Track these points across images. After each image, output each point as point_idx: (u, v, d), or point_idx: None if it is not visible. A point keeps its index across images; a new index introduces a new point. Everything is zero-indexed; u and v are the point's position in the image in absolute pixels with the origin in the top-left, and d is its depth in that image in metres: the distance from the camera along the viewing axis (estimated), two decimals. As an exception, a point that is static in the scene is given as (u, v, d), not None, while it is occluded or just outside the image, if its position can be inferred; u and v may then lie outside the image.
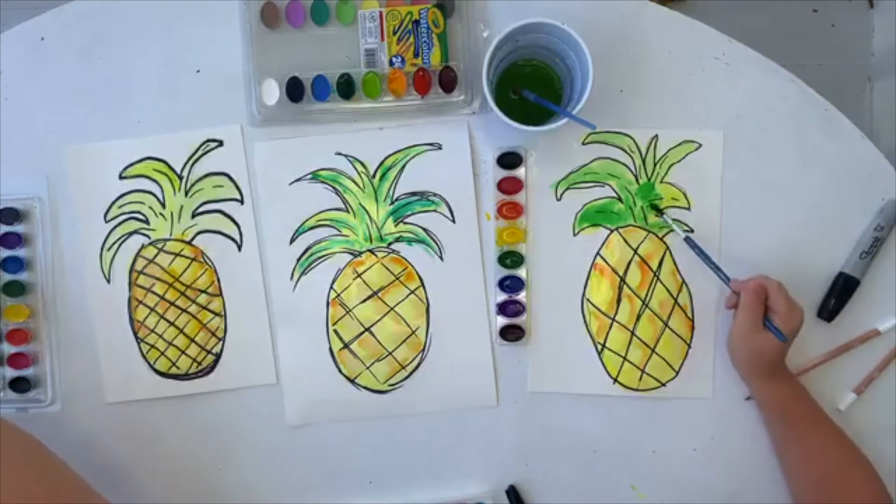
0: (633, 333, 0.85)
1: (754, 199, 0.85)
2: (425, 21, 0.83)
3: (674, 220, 0.84)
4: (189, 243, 0.85)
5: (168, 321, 0.85)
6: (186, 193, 0.85)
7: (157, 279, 0.85)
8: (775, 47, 0.86)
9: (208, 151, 0.85)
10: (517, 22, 0.75)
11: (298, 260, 0.85)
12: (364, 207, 0.85)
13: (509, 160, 0.84)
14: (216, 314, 0.85)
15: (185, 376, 0.86)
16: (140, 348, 0.86)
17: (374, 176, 0.85)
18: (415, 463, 0.87)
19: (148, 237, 0.85)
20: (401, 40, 0.83)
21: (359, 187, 0.85)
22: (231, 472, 0.87)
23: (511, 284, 0.85)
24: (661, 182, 0.85)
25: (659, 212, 0.84)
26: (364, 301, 0.85)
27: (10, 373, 0.86)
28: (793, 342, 0.79)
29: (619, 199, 0.85)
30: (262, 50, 0.83)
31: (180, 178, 0.85)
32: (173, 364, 0.86)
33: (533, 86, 0.82)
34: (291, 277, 0.85)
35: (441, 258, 0.85)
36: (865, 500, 0.76)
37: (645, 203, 0.84)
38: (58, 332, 0.86)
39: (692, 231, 0.84)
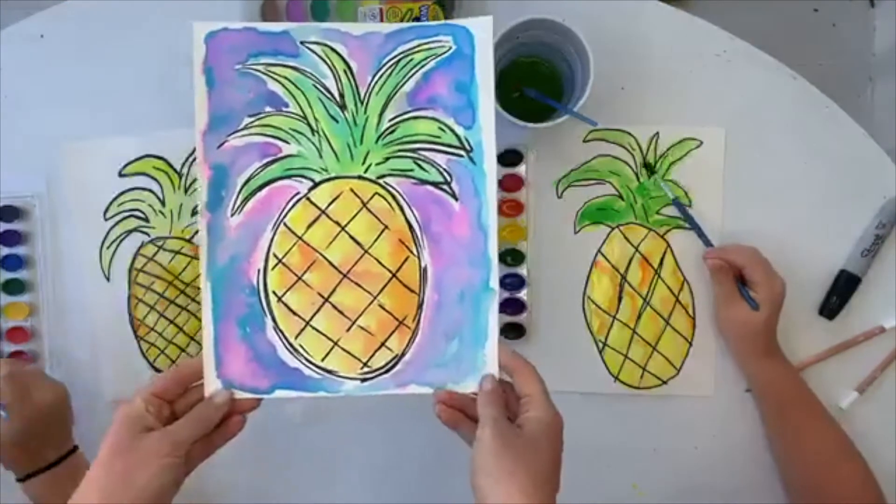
0: (634, 331, 0.85)
1: (755, 197, 0.85)
2: (425, 18, 0.82)
3: (665, 180, 0.84)
4: (189, 241, 0.85)
5: (168, 319, 0.85)
6: (186, 191, 0.85)
7: (157, 277, 0.85)
8: (776, 47, 0.85)
9: (208, 149, 0.85)
10: (518, 18, 0.75)
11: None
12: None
13: (510, 158, 0.84)
14: (216, 312, 0.85)
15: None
16: (140, 346, 0.85)
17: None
18: (415, 462, 0.86)
19: (147, 235, 0.85)
20: (401, 37, 0.83)
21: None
22: (231, 472, 0.86)
23: (512, 282, 0.85)
24: (662, 179, 0.84)
25: (652, 171, 0.84)
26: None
27: (10, 371, 0.86)
28: (778, 314, 0.79)
29: (620, 197, 0.85)
30: (263, 47, 0.83)
31: (180, 175, 0.85)
32: (173, 362, 0.85)
33: (534, 83, 0.81)
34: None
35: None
36: (853, 486, 0.77)
37: (640, 168, 0.85)
38: (57, 330, 0.86)
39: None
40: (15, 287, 0.86)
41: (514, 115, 0.76)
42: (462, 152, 0.65)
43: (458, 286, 0.65)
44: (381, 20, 0.83)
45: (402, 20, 0.82)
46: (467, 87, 0.65)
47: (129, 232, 0.85)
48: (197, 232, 0.85)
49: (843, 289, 0.84)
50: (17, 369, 0.75)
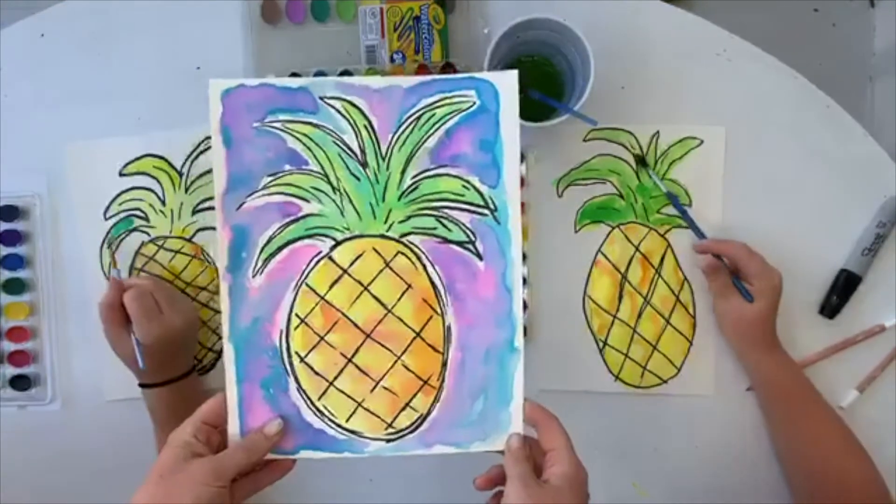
0: (634, 330, 0.85)
1: (755, 196, 0.85)
2: (426, 17, 0.83)
3: (664, 178, 0.84)
4: (189, 240, 0.85)
5: (168, 318, 0.85)
6: (186, 190, 0.85)
7: (158, 276, 0.85)
8: (776, 46, 0.85)
9: (209, 148, 0.84)
10: (518, 18, 0.75)
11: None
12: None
13: (510, 157, 0.84)
14: (217, 311, 0.85)
15: (186, 374, 0.85)
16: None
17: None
18: (415, 460, 0.86)
19: (148, 234, 0.85)
20: (402, 37, 0.83)
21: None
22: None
23: (512, 281, 0.84)
24: (663, 178, 0.84)
25: (644, 164, 0.84)
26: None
27: (10, 370, 0.86)
28: (775, 307, 0.80)
29: (621, 196, 0.85)
30: (263, 46, 0.83)
31: (180, 174, 0.85)
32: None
33: (534, 82, 0.81)
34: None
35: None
36: (859, 480, 0.77)
37: (635, 164, 0.85)
38: (58, 329, 0.86)
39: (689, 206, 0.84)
40: (15, 286, 0.86)
41: (514, 114, 0.76)
42: (486, 211, 0.64)
43: (482, 346, 0.64)
44: (382, 20, 0.83)
45: (402, 19, 0.83)
46: (492, 146, 0.63)
47: (130, 231, 0.85)
48: (197, 231, 0.85)
49: (843, 288, 0.84)
50: (153, 288, 0.78)
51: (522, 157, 0.84)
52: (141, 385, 0.79)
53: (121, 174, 0.85)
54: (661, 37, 0.85)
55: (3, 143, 0.86)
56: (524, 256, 0.84)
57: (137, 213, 0.85)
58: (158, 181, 0.85)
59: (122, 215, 0.85)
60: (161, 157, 0.85)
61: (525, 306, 0.85)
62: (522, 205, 0.84)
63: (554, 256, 0.85)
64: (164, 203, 0.85)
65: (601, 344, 0.85)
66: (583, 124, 0.78)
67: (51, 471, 0.87)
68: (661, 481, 0.86)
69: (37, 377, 0.86)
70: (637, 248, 0.85)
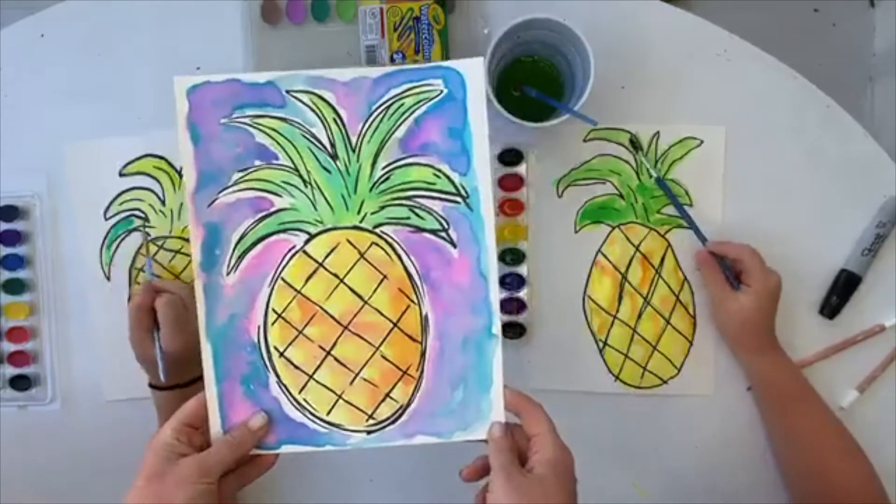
0: (634, 331, 0.85)
1: (756, 196, 0.85)
2: (426, 17, 0.83)
3: (666, 179, 0.84)
4: (189, 241, 0.85)
5: (168, 318, 0.85)
6: (187, 190, 0.85)
7: (157, 277, 0.85)
8: (776, 46, 0.85)
9: (208, 148, 0.85)
10: (518, 18, 0.75)
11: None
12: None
13: (510, 157, 0.84)
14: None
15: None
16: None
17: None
18: (416, 461, 0.86)
19: (148, 234, 0.85)
20: (402, 37, 0.83)
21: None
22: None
23: (512, 282, 0.85)
24: (663, 178, 0.84)
25: (637, 149, 0.84)
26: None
27: (10, 371, 0.86)
28: (772, 308, 0.80)
29: (621, 196, 0.85)
30: (263, 46, 0.83)
31: (180, 175, 0.85)
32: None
33: (534, 82, 0.81)
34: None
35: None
36: (856, 481, 0.77)
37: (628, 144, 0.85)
38: (58, 329, 0.86)
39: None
40: (15, 287, 0.86)
41: (514, 114, 0.76)
42: (458, 199, 0.64)
43: (460, 333, 0.64)
44: (382, 20, 0.83)
45: (402, 19, 0.83)
46: (460, 133, 0.64)
47: (130, 231, 0.85)
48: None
49: (843, 288, 0.84)
50: (186, 296, 0.77)
51: (523, 157, 0.84)
52: (151, 385, 0.79)
53: (121, 174, 0.85)
54: (660, 37, 0.85)
55: (3, 143, 0.86)
56: (524, 256, 0.84)
57: (137, 213, 0.85)
58: (158, 181, 0.85)
59: (123, 215, 0.85)
60: (161, 157, 0.85)
61: (525, 306, 0.85)
62: (523, 205, 0.84)
63: (554, 256, 0.85)
64: (164, 203, 0.85)
65: (601, 344, 0.85)
66: (583, 124, 0.78)
67: (51, 471, 0.87)
68: (661, 481, 0.86)
69: (37, 377, 0.86)
70: (637, 249, 0.85)
